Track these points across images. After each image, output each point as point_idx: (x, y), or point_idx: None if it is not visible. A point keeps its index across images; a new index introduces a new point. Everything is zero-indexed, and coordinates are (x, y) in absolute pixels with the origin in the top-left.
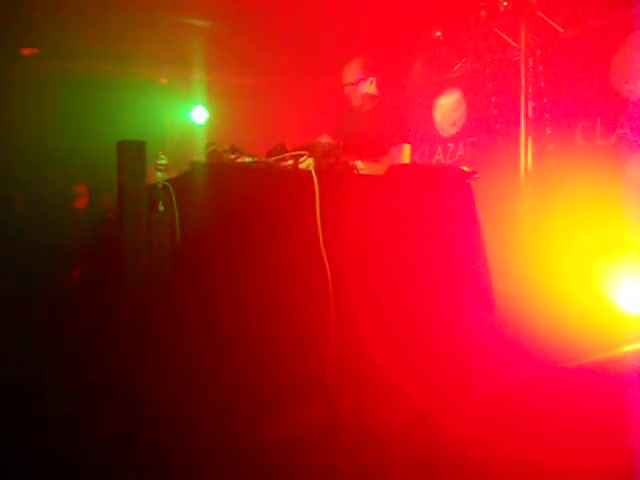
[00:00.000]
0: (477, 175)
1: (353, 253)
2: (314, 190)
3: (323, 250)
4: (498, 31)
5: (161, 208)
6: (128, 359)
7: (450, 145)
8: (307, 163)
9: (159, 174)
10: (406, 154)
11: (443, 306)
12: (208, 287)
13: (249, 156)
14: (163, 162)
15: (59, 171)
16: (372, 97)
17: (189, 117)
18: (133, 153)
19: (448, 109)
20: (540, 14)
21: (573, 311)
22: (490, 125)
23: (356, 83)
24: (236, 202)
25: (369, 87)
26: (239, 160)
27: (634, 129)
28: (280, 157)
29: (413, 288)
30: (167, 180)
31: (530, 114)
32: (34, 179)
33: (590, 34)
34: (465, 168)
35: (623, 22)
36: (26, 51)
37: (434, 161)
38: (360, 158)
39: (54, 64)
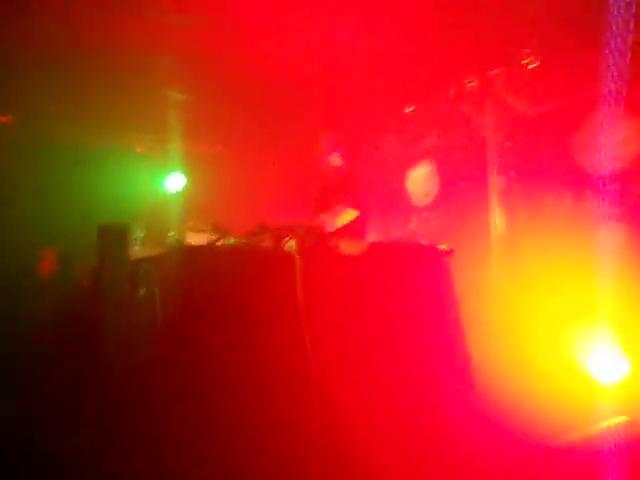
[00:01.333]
0: (453, 253)
1: (333, 332)
2: (295, 272)
3: (304, 330)
4: (465, 108)
5: (142, 292)
6: (102, 438)
7: (424, 214)
8: (289, 245)
9: (136, 247)
10: (344, 218)
11: (422, 383)
12: (188, 368)
13: (231, 236)
14: (140, 235)
15: (29, 236)
16: (339, 169)
17: (164, 185)
18: (115, 237)
19: (421, 180)
20: (504, 94)
21: (548, 383)
22: (461, 196)
23: (324, 156)
24: (218, 284)
25: (336, 160)
26: (221, 241)
27: (598, 202)
28: (262, 238)
29: (392, 366)
30: (147, 259)
31: (498, 186)
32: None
33: (552, 113)
34: (442, 246)
35: (583, 103)
36: (1, 118)
37: (409, 229)
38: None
39: (30, 130)
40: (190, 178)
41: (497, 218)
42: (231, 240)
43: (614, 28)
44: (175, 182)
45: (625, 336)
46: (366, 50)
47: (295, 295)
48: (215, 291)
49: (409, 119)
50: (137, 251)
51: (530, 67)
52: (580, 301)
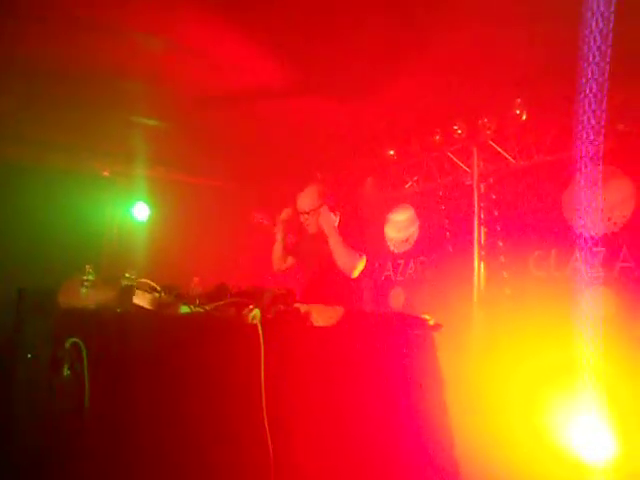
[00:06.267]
0: (441, 327)
1: (299, 413)
2: (259, 348)
3: (264, 412)
4: (451, 155)
5: (66, 372)
6: None
7: (400, 262)
8: (253, 314)
9: (84, 290)
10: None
11: (402, 471)
12: (125, 454)
13: (185, 303)
14: (90, 278)
15: None
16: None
17: (130, 213)
18: (35, 305)
19: (401, 225)
20: (492, 144)
21: (529, 462)
22: (442, 246)
23: (312, 211)
24: (163, 363)
25: (332, 210)
26: (174, 307)
27: (588, 264)
28: (222, 304)
29: (368, 450)
30: (76, 329)
31: (482, 240)
32: None
33: (541, 167)
34: (428, 317)
35: (572, 159)
36: None
37: (383, 277)
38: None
39: None
40: (157, 206)
41: (479, 275)
42: (184, 308)
43: (593, 84)
44: (141, 210)
45: (614, 408)
46: (349, 88)
47: (257, 376)
48: (159, 372)
49: (390, 163)
50: (84, 293)
51: (522, 118)
52: (562, 369)
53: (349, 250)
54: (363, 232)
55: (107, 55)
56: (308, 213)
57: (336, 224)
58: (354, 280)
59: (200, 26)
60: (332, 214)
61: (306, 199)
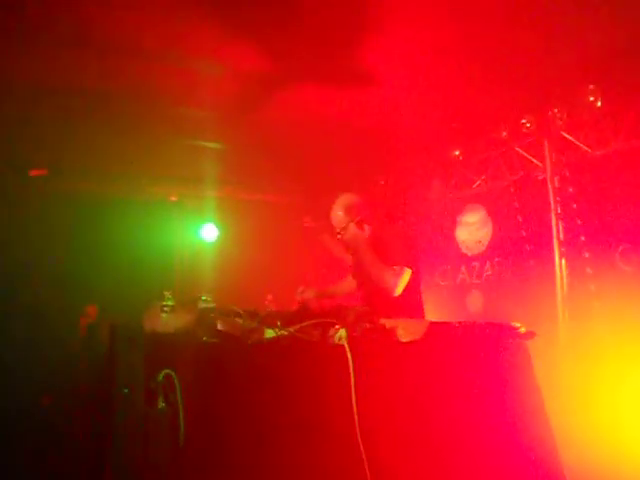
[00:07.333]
0: (534, 335)
1: (394, 433)
2: (348, 369)
3: (358, 433)
4: (520, 150)
5: (161, 405)
6: None
7: (475, 264)
8: (339, 335)
9: (164, 316)
10: (404, 278)
11: None
12: None
13: (270, 327)
14: (169, 303)
15: (68, 291)
16: (362, 236)
17: (199, 235)
18: (129, 339)
19: (473, 227)
20: (565, 134)
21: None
22: (519, 245)
23: (344, 229)
24: (255, 385)
25: (360, 226)
26: (259, 332)
27: None
28: (306, 325)
29: (468, 466)
30: (168, 358)
31: (562, 236)
32: (41, 297)
33: (620, 155)
34: (518, 325)
35: None
36: (34, 172)
37: (458, 280)
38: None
39: (62, 184)
40: (225, 226)
41: (562, 273)
42: (269, 332)
43: None
44: (210, 231)
45: None
46: (411, 88)
47: (348, 398)
48: (251, 400)
49: (456, 163)
50: (164, 318)
51: (596, 104)
52: None
53: (382, 268)
54: (406, 242)
55: (167, 83)
56: (340, 232)
57: (367, 236)
58: (408, 292)
59: (256, 48)
60: (360, 230)
61: (335, 216)
